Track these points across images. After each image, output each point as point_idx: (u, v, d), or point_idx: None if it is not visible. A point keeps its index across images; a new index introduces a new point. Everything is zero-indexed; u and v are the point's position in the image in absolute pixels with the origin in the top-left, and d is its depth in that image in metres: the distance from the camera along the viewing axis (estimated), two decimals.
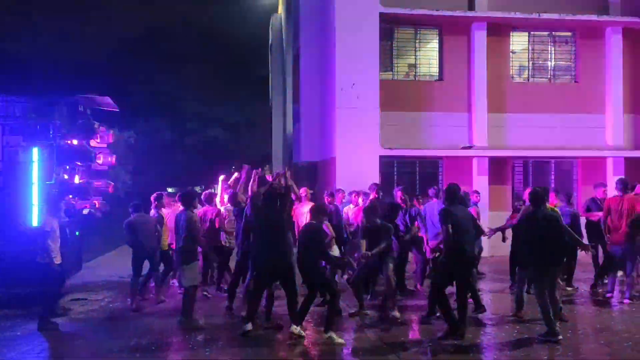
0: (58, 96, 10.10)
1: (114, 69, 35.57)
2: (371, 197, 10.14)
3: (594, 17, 15.13)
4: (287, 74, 23.15)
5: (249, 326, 6.91)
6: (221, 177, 10.86)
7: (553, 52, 15.57)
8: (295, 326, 6.79)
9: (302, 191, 10.63)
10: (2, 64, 28.21)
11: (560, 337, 6.62)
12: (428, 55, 15.27)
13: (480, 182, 14.18)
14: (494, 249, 12.85)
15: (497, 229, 9.48)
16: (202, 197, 9.70)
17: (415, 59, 15.24)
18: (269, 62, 28.30)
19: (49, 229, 7.55)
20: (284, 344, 6.76)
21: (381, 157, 14.00)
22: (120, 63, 36.39)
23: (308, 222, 7.38)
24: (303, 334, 6.85)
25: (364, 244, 7.73)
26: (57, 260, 7.61)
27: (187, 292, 7.51)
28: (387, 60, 14.99)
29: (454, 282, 7.10)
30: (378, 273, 8.10)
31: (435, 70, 15.21)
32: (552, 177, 15.40)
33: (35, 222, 8.66)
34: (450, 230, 6.75)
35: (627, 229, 8.78)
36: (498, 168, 14.85)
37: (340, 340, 6.69)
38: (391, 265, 7.86)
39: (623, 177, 10.35)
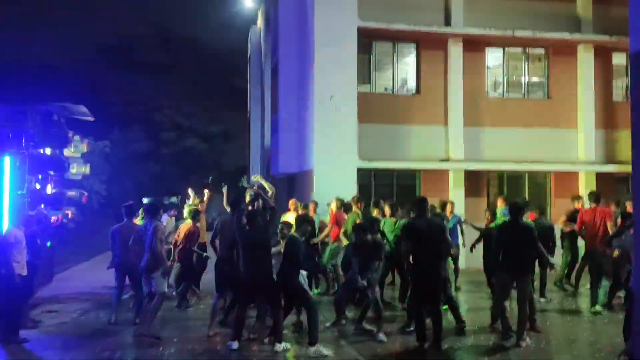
0: (31, 104, 9.90)
1: (89, 78, 35.15)
2: (353, 210, 10.16)
3: (566, 35, 15.49)
4: (266, 86, 23.18)
5: (235, 345, 6.81)
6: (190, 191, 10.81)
7: (527, 68, 15.89)
8: (278, 344, 6.75)
9: (291, 203, 10.69)
10: None
11: (509, 344, 6.93)
12: (406, 69, 15.44)
13: (456, 195, 14.32)
14: (468, 260, 12.94)
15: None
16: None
17: (393, 72, 15.39)
18: (247, 74, 28.31)
19: (13, 240, 7.31)
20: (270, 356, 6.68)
21: (359, 169, 14.05)
22: (97, 72, 35.99)
23: (290, 235, 7.35)
24: (288, 346, 6.80)
25: (356, 263, 7.61)
26: (23, 272, 7.38)
27: (159, 297, 7.48)
28: (365, 73, 15.10)
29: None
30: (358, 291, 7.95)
31: (412, 83, 15.38)
32: (527, 190, 15.63)
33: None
34: (408, 247, 6.88)
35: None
36: (474, 181, 15.03)
37: (327, 352, 6.68)
38: (377, 288, 7.77)
39: (594, 190, 10.58)
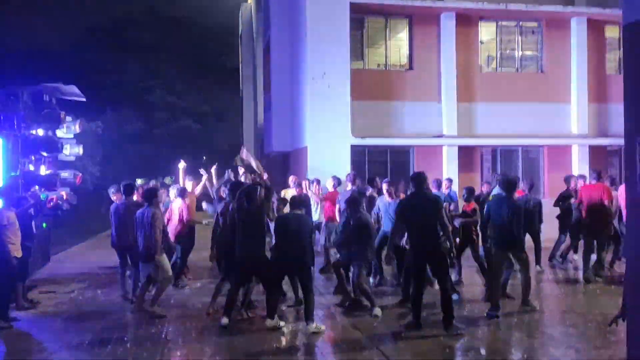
0: (22, 85, 9.81)
1: (80, 59, 34.67)
2: (349, 187, 10.17)
3: (559, 8, 15.42)
4: (258, 64, 23.02)
5: (225, 320, 6.88)
6: (181, 166, 10.58)
7: (520, 42, 15.82)
8: (270, 320, 6.81)
9: (292, 179, 10.72)
10: None
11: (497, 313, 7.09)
12: (398, 45, 15.35)
13: (450, 170, 14.39)
14: None
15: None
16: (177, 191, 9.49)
17: (386, 48, 15.30)
18: (239, 52, 28.05)
19: (6, 222, 7.26)
20: (261, 335, 6.75)
21: (352, 146, 14.06)
22: (87, 52, 35.45)
23: (280, 215, 7.38)
24: (281, 324, 6.87)
25: (342, 237, 7.69)
26: (18, 253, 7.39)
27: (166, 279, 7.60)
28: (358, 49, 15.01)
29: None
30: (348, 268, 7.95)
31: (405, 59, 15.31)
32: (520, 164, 15.69)
33: None
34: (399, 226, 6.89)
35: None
36: (467, 156, 15.07)
37: (322, 327, 6.78)
38: (364, 273, 7.63)
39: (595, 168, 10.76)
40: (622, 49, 9.58)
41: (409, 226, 6.83)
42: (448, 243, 6.65)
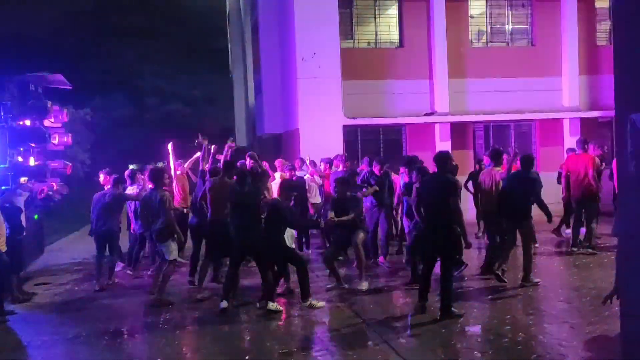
0: (6, 75, 9.65)
1: (66, 44, 34.25)
2: (340, 168, 10.13)
3: None
4: (247, 44, 22.73)
5: (224, 304, 6.89)
6: (170, 145, 10.38)
7: (510, 15, 15.67)
8: (271, 303, 6.83)
9: (278, 162, 10.63)
10: None
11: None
12: (388, 22, 15.17)
13: (443, 148, 14.31)
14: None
15: None
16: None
17: (375, 26, 15.12)
18: (227, 33, 27.69)
19: None
20: (261, 319, 6.76)
21: (344, 126, 13.98)
22: (73, 38, 35.04)
23: (274, 199, 7.35)
24: (280, 308, 6.88)
25: (332, 214, 7.72)
26: (2, 247, 7.28)
27: (169, 265, 7.58)
28: (347, 28, 14.82)
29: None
30: (348, 245, 8.05)
31: (395, 37, 15.15)
32: (512, 140, 15.69)
33: None
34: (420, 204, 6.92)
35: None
36: (460, 133, 15.02)
37: (321, 304, 6.86)
38: (362, 235, 7.79)
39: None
40: (612, 18, 9.49)
41: (425, 206, 6.74)
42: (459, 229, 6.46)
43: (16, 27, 32.72)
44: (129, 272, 9.47)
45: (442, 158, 6.63)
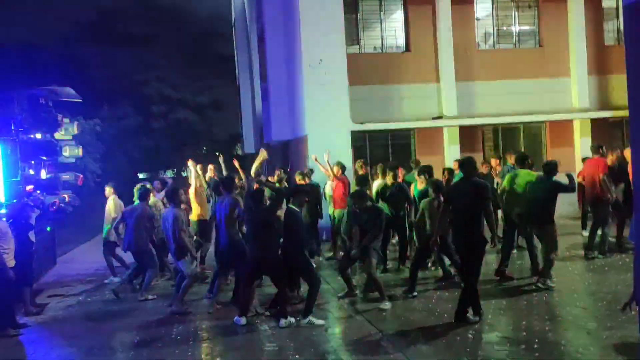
0: (17, 90, 9.74)
1: (72, 55, 34.49)
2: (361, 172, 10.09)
3: None
4: (253, 51, 22.80)
5: (243, 320, 6.86)
6: (190, 163, 10.48)
7: (517, 17, 15.62)
8: (283, 319, 6.75)
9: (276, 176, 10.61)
10: None
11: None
12: (394, 27, 15.16)
13: (452, 151, 14.30)
14: None
15: None
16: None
17: (382, 31, 15.11)
18: (233, 40, 27.80)
19: None
20: (274, 329, 6.74)
21: (353, 132, 13.97)
22: (79, 48, 35.28)
23: (287, 207, 7.30)
24: (293, 321, 6.77)
25: (357, 232, 7.60)
26: (11, 262, 7.29)
27: (189, 279, 7.66)
28: (353, 33, 14.83)
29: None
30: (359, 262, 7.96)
31: (402, 41, 15.14)
32: (522, 142, 15.57)
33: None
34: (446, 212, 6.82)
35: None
36: (469, 136, 14.96)
37: (320, 322, 6.73)
38: (374, 261, 7.59)
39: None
40: (622, 17, 9.42)
41: (454, 212, 6.64)
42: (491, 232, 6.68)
43: (24, 38, 33.02)
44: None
45: (469, 163, 6.63)
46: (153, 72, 35.82)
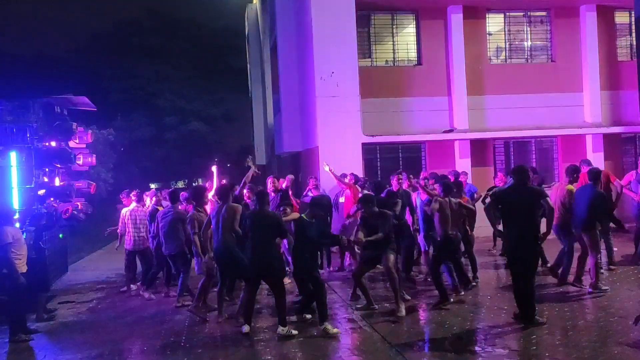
0: (33, 98, 9.90)
1: (87, 66, 34.94)
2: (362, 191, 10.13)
3: None
4: (266, 64, 23.01)
5: (247, 328, 6.86)
6: (214, 168, 10.53)
7: (529, 32, 15.65)
8: (282, 327, 6.74)
9: (287, 180, 10.64)
10: None
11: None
12: (406, 41, 15.25)
13: (462, 165, 14.25)
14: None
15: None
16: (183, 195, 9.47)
17: (393, 44, 15.21)
18: (246, 53, 28.07)
19: (11, 240, 7.20)
20: (281, 339, 6.73)
21: (363, 144, 14.01)
22: (93, 59, 35.70)
23: (300, 217, 7.33)
24: (293, 332, 6.74)
25: (361, 235, 7.56)
26: (23, 268, 7.35)
27: (205, 279, 7.80)
28: (365, 47, 14.93)
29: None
30: (377, 263, 7.84)
31: (413, 55, 15.21)
32: (533, 156, 15.54)
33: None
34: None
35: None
36: (480, 150, 14.94)
37: (335, 330, 6.73)
38: (392, 257, 7.51)
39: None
40: (635, 34, 9.44)
41: (506, 219, 6.86)
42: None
43: (39, 48, 33.55)
44: (142, 292, 9.44)
45: (523, 171, 6.82)
46: (166, 84, 36.13)
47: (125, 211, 9.65)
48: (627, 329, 6.27)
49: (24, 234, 7.97)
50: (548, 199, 6.81)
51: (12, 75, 26.62)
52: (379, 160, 14.78)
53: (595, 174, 8.39)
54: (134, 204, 9.63)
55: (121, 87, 34.70)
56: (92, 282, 11.15)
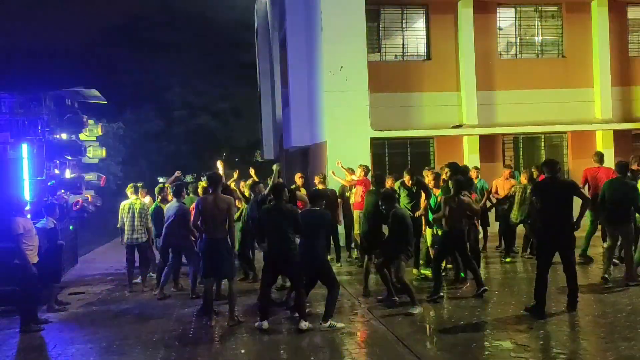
0: (44, 91, 9.97)
1: (98, 59, 35.15)
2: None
3: None
4: (275, 59, 22.99)
5: (265, 324, 6.80)
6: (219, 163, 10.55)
7: (540, 27, 15.53)
8: (304, 322, 6.73)
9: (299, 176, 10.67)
10: None
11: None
12: (415, 35, 15.19)
13: (471, 160, 14.17)
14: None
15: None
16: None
17: (403, 39, 15.15)
18: (255, 47, 28.06)
19: (22, 230, 7.27)
20: (290, 333, 6.77)
21: (372, 139, 13.99)
22: (104, 53, 35.93)
23: (309, 209, 7.32)
24: (311, 326, 6.74)
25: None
26: (34, 259, 7.42)
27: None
28: (374, 41, 14.89)
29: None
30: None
31: (423, 50, 15.15)
32: (543, 152, 15.44)
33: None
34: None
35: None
36: (489, 145, 14.87)
37: (340, 325, 6.75)
38: (402, 265, 7.49)
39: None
40: None
41: (543, 210, 7.16)
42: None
43: (50, 42, 33.76)
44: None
45: (554, 163, 7.28)
46: (176, 78, 36.26)
47: (123, 205, 9.63)
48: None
49: (46, 224, 8.01)
50: (583, 190, 7.28)
51: (25, 69, 26.82)
52: (387, 155, 14.77)
53: (623, 167, 8.62)
54: (133, 197, 9.52)
55: (131, 81, 34.86)
56: (102, 274, 11.25)
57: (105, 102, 11.12)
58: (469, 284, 8.26)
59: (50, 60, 31.88)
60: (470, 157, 14.32)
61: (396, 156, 14.77)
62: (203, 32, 38.73)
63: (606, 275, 8.28)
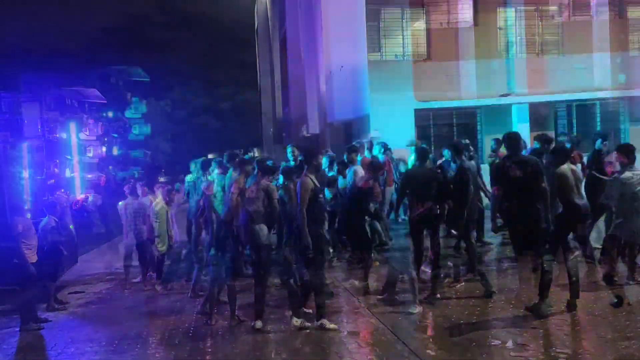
0: (44, 91, 9.98)
1: (98, 59, 35.27)
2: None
3: None
4: (275, 58, 22.91)
5: (259, 323, 6.70)
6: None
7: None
8: (296, 319, 6.66)
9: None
10: None
11: None
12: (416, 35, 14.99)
13: (521, 130, 13.02)
14: None
15: None
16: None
17: (403, 38, 14.99)
18: (255, 46, 28.07)
19: (21, 229, 7.29)
20: (288, 330, 6.71)
21: (416, 110, 13.57)
22: (105, 52, 36.03)
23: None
24: (307, 324, 6.65)
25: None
26: (33, 258, 7.44)
27: None
28: (374, 41, 14.73)
29: None
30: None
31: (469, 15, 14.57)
32: (598, 119, 14.82)
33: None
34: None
35: None
36: (539, 114, 14.37)
37: (332, 326, 6.57)
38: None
39: None
40: None
41: (507, 192, 6.42)
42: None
43: (52, 43, 33.77)
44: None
45: (514, 138, 6.53)
46: (177, 78, 36.19)
47: (122, 204, 9.60)
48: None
49: (47, 223, 8.00)
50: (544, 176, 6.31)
51: (26, 69, 26.85)
52: (432, 127, 14.38)
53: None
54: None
55: (179, 59, 34.68)
56: (102, 273, 11.21)
57: (148, 80, 11.11)
58: (463, 283, 8.16)
59: (52, 60, 31.85)
60: (520, 127, 13.52)
61: (442, 127, 14.37)
62: (201, 31, 38.71)
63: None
